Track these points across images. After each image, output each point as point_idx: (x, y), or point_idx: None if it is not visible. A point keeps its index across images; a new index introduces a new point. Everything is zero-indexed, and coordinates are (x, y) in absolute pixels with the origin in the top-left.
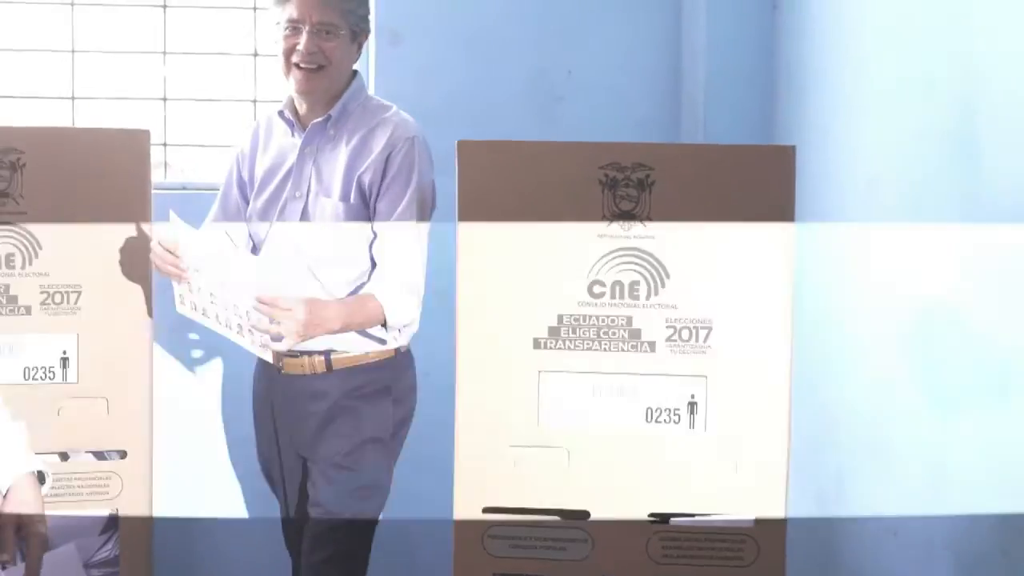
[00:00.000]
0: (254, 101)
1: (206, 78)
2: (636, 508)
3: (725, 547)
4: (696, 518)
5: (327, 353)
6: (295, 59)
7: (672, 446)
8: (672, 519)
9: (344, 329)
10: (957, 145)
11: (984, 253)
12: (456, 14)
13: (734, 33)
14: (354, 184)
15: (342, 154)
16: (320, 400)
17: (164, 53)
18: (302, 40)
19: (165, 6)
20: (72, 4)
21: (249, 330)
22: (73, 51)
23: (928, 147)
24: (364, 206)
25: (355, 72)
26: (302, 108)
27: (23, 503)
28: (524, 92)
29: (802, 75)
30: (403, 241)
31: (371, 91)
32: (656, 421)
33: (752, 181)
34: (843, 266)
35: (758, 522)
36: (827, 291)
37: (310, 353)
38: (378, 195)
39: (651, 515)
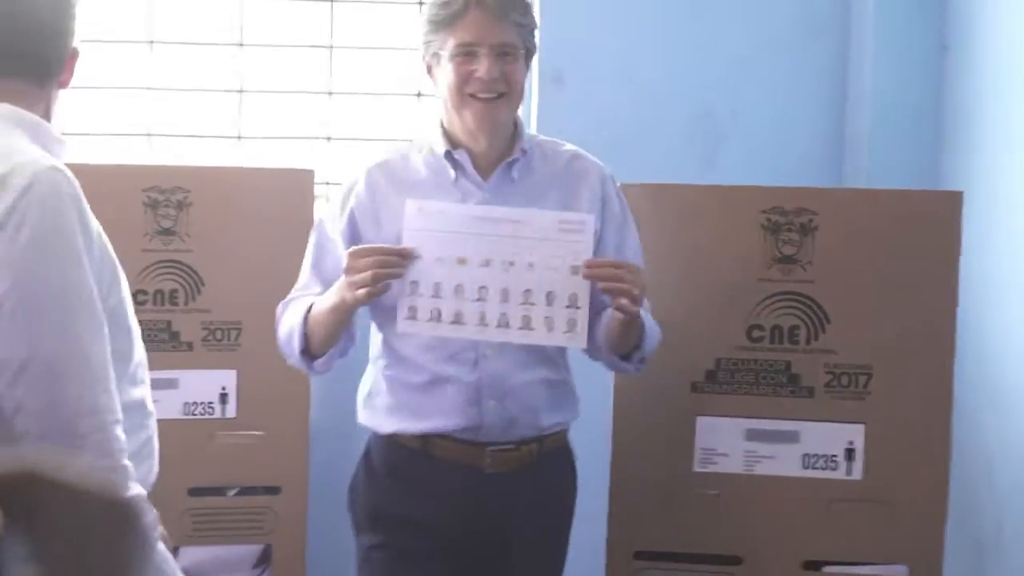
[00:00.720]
0: (411, 141)
1: (368, 117)
2: (789, 555)
3: None
4: (850, 566)
5: (540, 437)
6: (471, 89)
7: (828, 492)
8: (825, 567)
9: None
10: None
11: None
12: (620, 54)
13: (901, 74)
14: None
15: (537, 198)
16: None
17: (329, 93)
18: (481, 65)
19: (332, 47)
20: (240, 44)
21: (546, 319)
22: (241, 91)
23: None
24: None
25: None
26: (478, 147)
27: None
28: (687, 133)
29: (970, 119)
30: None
31: (534, 130)
32: (813, 467)
33: (917, 227)
34: (1007, 313)
35: (913, 571)
36: (991, 335)
37: (526, 441)
38: (599, 250)
39: (804, 562)
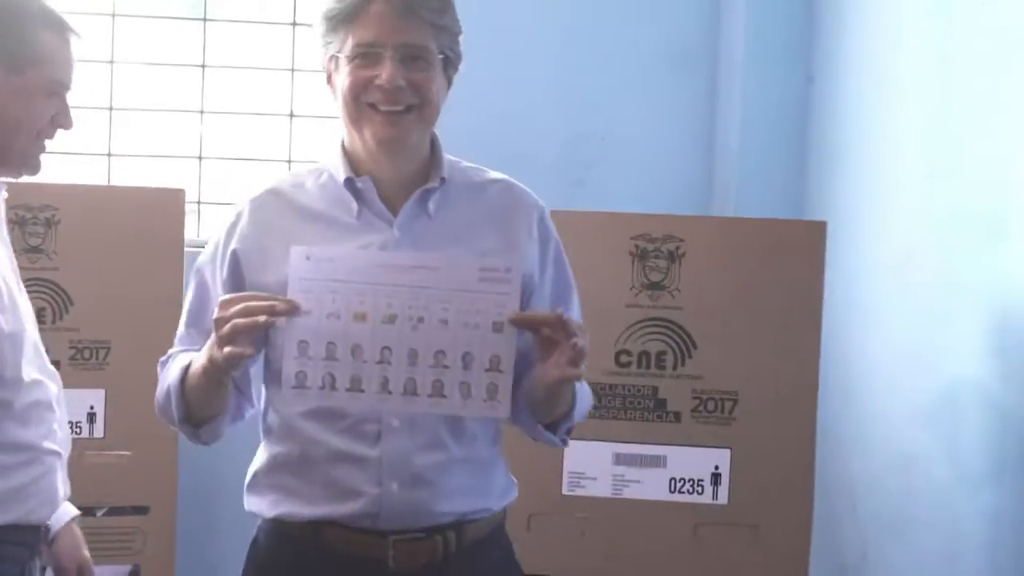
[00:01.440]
0: (288, 161)
1: (242, 137)
2: None
3: None
4: None
5: (459, 524)
6: (370, 98)
7: (695, 516)
8: None
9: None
10: (987, 226)
11: (1011, 330)
12: (491, 80)
13: (769, 105)
14: None
15: (459, 238)
16: None
17: (201, 112)
18: (383, 69)
19: (204, 65)
20: (111, 62)
21: (461, 385)
22: (111, 108)
23: (959, 227)
24: None
25: None
26: (383, 173)
27: (76, 547)
28: (557, 159)
29: (835, 150)
30: None
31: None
32: (679, 491)
33: (782, 255)
34: (871, 342)
35: None
36: (855, 366)
37: (440, 528)
38: (530, 295)
39: None
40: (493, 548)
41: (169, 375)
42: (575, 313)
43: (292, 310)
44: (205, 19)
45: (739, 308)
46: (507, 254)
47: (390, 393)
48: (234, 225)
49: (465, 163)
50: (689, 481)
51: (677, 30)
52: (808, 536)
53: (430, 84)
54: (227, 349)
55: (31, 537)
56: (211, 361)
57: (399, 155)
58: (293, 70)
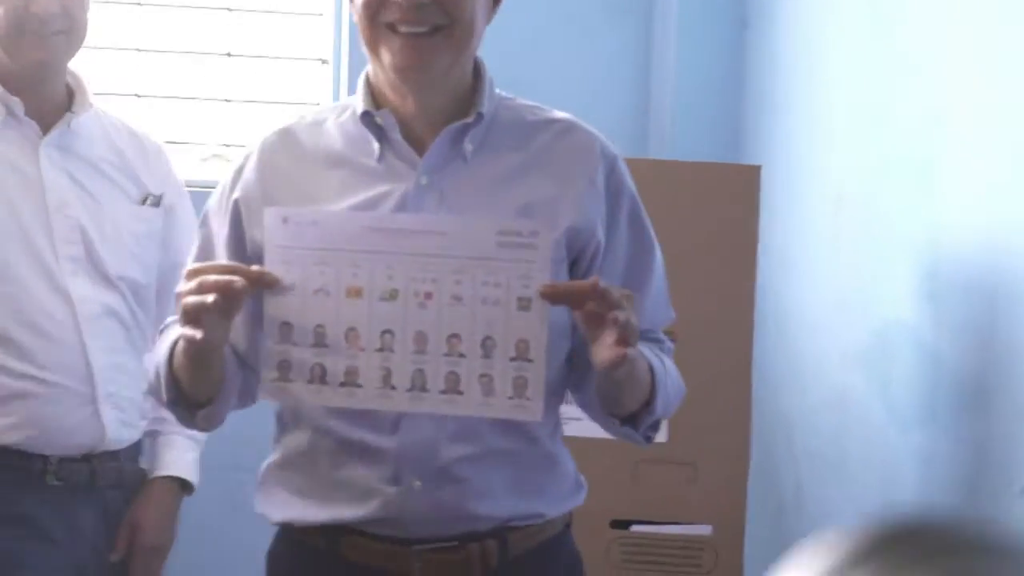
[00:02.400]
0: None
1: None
2: (598, 514)
3: (684, 554)
4: (657, 525)
5: (501, 532)
6: (388, 17)
7: (635, 454)
8: (633, 526)
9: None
10: (919, 173)
11: (942, 276)
12: None
13: (704, 51)
14: None
15: (499, 185)
16: None
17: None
18: None
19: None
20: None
21: (480, 378)
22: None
23: (892, 173)
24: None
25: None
26: (407, 107)
27: (140, 508)
28: None
29: (770, 95)
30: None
31: (343, 97)
32: None
33: (717, 199)
34: (805, 283)
35: (717, 530)
36: (789, 307)
37: (476, 536)
38: (598, 260)
39: (612, 521)
40: (551, 564)
41: (158, 349)
42: (655, 283)
43: (262, 284)
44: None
45: (674, 250)
46: (568, 210)
47: (394, 388)
48: (240, 170)
49: (522, 100)
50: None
51: None
52: (746, 474)
53: (461, 1)
54: (184, 331)
55: (16, 461)
56: (188, 340)
57: (424, 85)
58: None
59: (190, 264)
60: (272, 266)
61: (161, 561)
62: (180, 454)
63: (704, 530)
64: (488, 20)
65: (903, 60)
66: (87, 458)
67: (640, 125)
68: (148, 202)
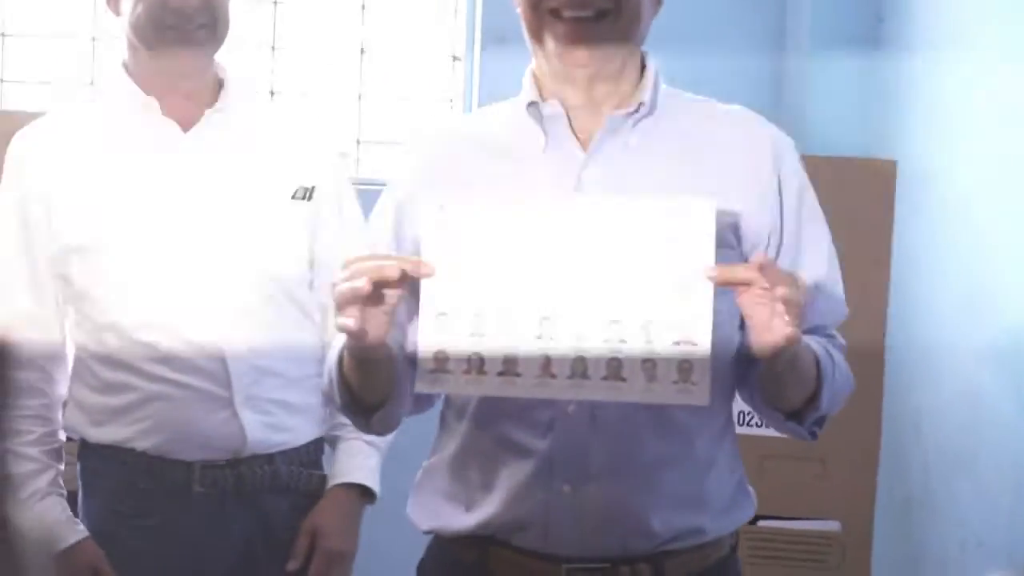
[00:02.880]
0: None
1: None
2: None
3: (811, 550)
4: (785, 521)
5: (659, 555)
6: (553, 2)
7: (762, 449)
8: (760, 521)
9: None
10: None
11: None
12: None
13: (837, 45)
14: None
15: (666, 176)
16: None
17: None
18: None
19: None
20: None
21: (644, 364)
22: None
23: None
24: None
25: None
26: (570, 96)
27: (322, 513)
28: None
29: (905, 91)
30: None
31: (475, 93)
32: (747, 424)
33: (852, 194)
34: (938, 280)
35: (845, 526)
36: (922, 303)
37: (629, 559)
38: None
39: None
40: None
41: (331, 353)
42: (827, 276)
43: (419, 273)
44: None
45: None
46: (737, 196)
47: (553, 377)
48: (402, 165)
49: (691, 94)
50: (755, 414)
51: None
52: (875, 470)
53: None
54: (338, 320)
55: (157, 467)
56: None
57: (590, 72)
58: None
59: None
60: (428, 256)
61: (344, 569)
62: (361, 460)
63: (832, 526)
64: (655, 12)
65: None
66: (233, 463)
67: (774, 119)
68: (299, 195)
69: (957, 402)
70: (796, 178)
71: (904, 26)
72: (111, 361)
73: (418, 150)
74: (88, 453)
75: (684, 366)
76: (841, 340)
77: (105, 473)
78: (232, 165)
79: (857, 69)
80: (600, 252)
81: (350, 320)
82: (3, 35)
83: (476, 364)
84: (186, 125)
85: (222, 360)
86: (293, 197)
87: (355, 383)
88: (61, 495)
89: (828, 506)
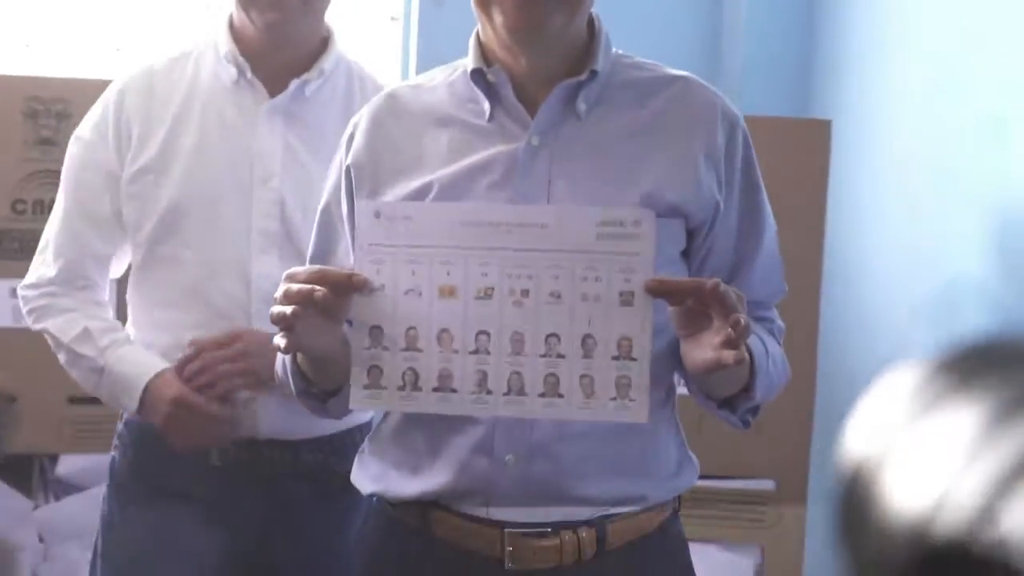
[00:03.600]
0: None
1: None
2: None
3: (747, 509)
4: (721, 480)
5: (600, 519)
6: None
7: (699, 408)
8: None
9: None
10: (989, 128)
11: (1010, 231)
12: None
13: (774, 5)
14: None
15: (613, 146)
16: None
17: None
18: None
19: None
20: None
21: (581, 379)
22: None
23: (961, 129)
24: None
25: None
26: (517, 65)
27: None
28: None
29: (842, 51)
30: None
31: (413, 54)
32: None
33: (787, 153)
34: (874, 239)
35: (780, 485)
36: (857, 262)
37: (571, 524)
38: (715, 225)
39: None
40: (654, 557)
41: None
42: (767, 252)
43: (352, 287)
44: None
45: None
46: (691, 173)
47: (490, 393)
48: (351, 137)
49: (639, 58)
50: None
51: None
52: (810, 429)
53: None
54: (280, 339)
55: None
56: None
57: (538, 45)
58: None
59: (312, 243)
60: (362, 266)
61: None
62: None
63: (767, 485)
64: None
65: (977, 16)
66: (252, 444)
67: (710, 79)
68: None
69: (892, 361)
70: (741, 150)
71: None
72: None
73: (367, 120)
74: (125, 421)
75: (622, 382)
76: (780, 323)
77: (133, 440)
78: (309, 137)
79: (793, 28)
80: (537, 263)
81: (283, 341)
82: None
83: (411, 380)
84: (276, 91)
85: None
86: None
87: (309, 372)
88: (133, 344)
89: (763, 466)
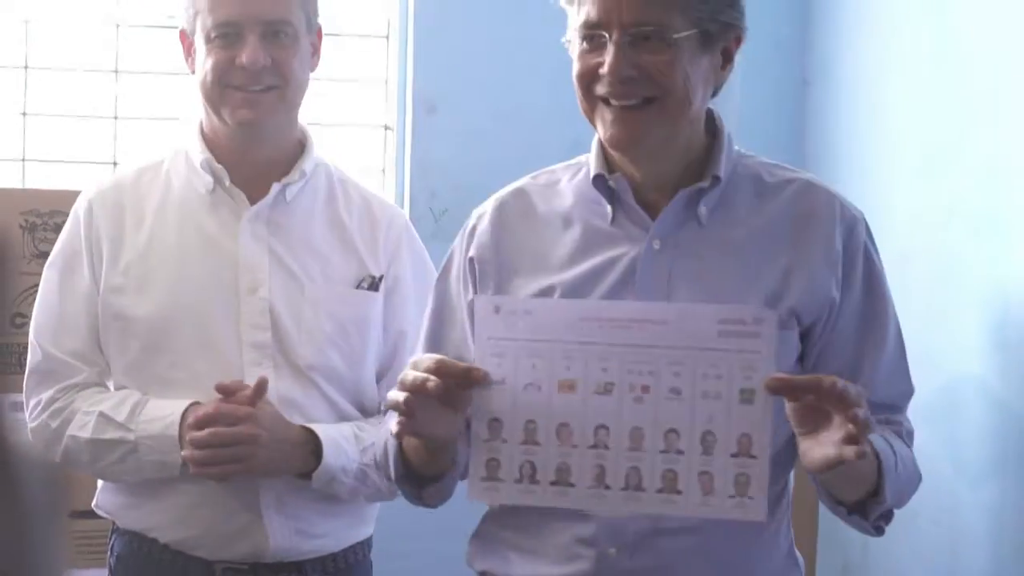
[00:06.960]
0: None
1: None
2: None
3: None
4: None
5: None
6: (602, 90)
7: None
8: None
9: None
10: (984, 223)
11: (1011, 327)
12: (494, 83)
13: (766, 108)
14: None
15: (733, 252)
16: None
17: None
18: (607, 56)
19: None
20: (116, 72)
21: (700, 476)
22: (116, 118)
23: (956, 225)
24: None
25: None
26: (635, 172)
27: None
28: (561, 161)
29: (832, 151)
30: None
31: (407, 162)
32: None
33: None
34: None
35: None
36: None
37: None
38: (833, 323)
39: None
40: None
41: (388, 423)
42: (891, 352)
43: (471, 380)
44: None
45: None
46: (809, 279)
47: (608, 488)
48: (472, 230)
49: (762, 158)
50: None
51: None
52: (814, 535)
53: (671, 70)
54: (395, 424)
55: (181, 563)
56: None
57: (642, 157)
58: None
59: (421, 338)
60: (482, 359)
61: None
62: (343, 444)
63: None
64: (715, 83)
65: (964, 111)
66: (255, 568)
67: None
68: (364, 285)
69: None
70: (861, 250)
71: (830, 87)
72: None
73: (492, 215)
74: (118, 537)
75: (741, 479)
76: (909, 425)
77: (130, 561)
78: (294, 244)
79: (785, 130)
80: (658, 359)
81: (396, 426)
82: (25, 114)
83: (528, 472)
84: (254, 196)
85: None
86: (357, 286)
87: (415, 460)
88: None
89: None
